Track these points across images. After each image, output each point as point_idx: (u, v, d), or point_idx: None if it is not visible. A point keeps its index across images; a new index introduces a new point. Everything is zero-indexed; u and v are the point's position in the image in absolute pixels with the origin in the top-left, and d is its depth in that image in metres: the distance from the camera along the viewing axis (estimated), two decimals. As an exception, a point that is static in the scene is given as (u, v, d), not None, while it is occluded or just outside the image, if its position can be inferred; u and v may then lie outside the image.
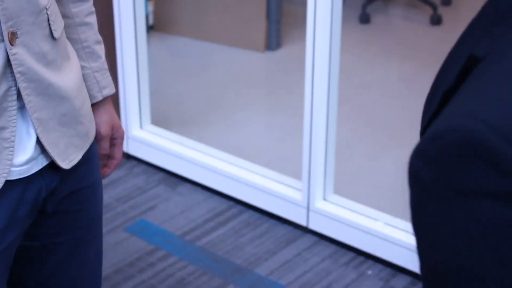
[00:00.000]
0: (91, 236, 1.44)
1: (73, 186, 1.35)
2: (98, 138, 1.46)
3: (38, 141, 1.25)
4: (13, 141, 1.19)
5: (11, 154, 1.19)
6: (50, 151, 1.26)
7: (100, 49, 1.45)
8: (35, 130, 1.23)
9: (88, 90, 1.42)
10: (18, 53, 1.18)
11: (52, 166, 1.29)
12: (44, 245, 1.37)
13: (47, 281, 1.41)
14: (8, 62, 1.17)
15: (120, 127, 1.50)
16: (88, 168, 1.38)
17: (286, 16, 4.31)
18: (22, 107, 1.22)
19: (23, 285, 1.41)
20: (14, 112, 1.19)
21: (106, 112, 1.46)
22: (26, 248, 1.34)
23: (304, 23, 2.47)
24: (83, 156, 1.35)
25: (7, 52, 1.17)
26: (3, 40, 1.16)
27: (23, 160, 1.23)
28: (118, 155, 1.50)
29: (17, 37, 1.17)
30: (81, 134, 1.33)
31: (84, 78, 1.41)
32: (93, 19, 1.43)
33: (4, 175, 1.20)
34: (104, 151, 1.48)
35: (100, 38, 1.45)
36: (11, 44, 1.16)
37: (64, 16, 1.36)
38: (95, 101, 1.43)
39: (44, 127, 1.24)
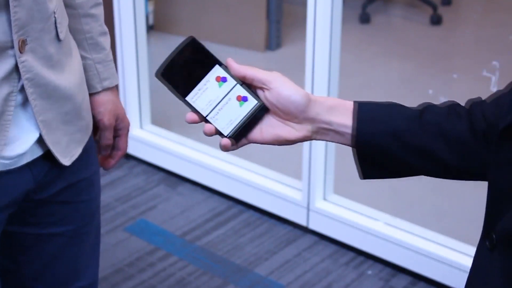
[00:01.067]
0: (88, 229, 1.43)
1: (70, 179, 1.35)
2: (101, 127, 1.44)
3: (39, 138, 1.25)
4: (3, 145, 1.19)
5: None
6: (53, 149, 1.26)
7: (105, 40, 1.43)
8: (40, 131, 1.23)
9: (88, 80, 1.41)
10: (27, 60, 1.18)
11: (46, 158, 1.29)
12: (40, 234, 1.37)
13: (43, 270, 1.41)
14: (15, 68, 1.17)
15: (125, 117, 1.48)
16: (86, 161, 1.38)
17: (286, 16, 4.31)
18: (26, 107, 1.21)
19: (19, 272, 1.41)
20: (10, 117, 1.18)
21: (110, 102, 1.44)
22: (22, 234, 1.35)
23: (304, 23, 2.47)
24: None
25: (15, 60, 1.17)
26: (13, 47, 1.16)
27: (16, 153, 1.23)
28: (123, 146, 1.48)
29: (26, 44, 1.17)
30: (82, 128, 1.33)
31: (85, 68, 1.40)
32: (98, 10, 1.41)
33: None
34: (108, 142, 1.46)
35: (105, 29, 1.43)
36: (20, 52, 1.16)
37: (68, 6, 1.36)
38: (94, 91, 1.42)
39: (48, 128, 1.24)
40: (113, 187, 2.96)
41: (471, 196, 2.68)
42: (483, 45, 4.24)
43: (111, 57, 1.45)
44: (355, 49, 4.13)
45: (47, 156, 1.28)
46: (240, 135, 1.06)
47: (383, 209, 2.62)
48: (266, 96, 1.05)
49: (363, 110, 1.06)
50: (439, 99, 3.02)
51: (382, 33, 4.52)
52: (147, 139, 3.06)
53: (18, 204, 1.31)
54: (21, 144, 1.23)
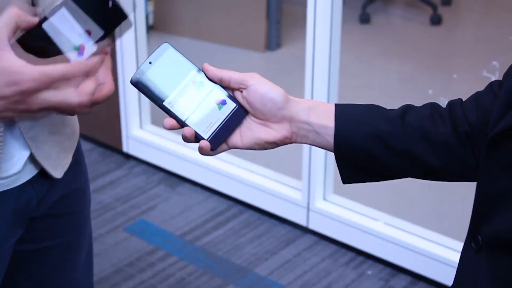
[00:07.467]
0: (82, 239, 1.42)
1: (63, 190, 1.33)
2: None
3: (30, 155, 1.23)
4: None
5: None
6: (43, 163, 1.23)
7: None
8: (30, 148, 1.21)
9: None
10: None
11: (41, 174, 1.27)
12: (37, 249, 1.36)
13: (41, 285, 1.40)
14: None
15: None
16: (77, 171, 1.36)
17: (286, 16, 4.31)
18: (12, 127, 1.18)
19: None
20: (1, 129, 1.16)
21: None
22: (19, 252, 1.33)
23: (304, 23, 2.47)
24: (72, 159, 1.33)
25: None
26: None
27: (11, 172, 1.21)
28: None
29: None
30: (70, 135, 1.31)
31: None
32: None
33: None
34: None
35: None
36: None
37: None
38: None
39: (37, 143, 1.21)
40: (113, 187, 2.96)
41: (471, 197, 2.68)
42: (483, 45, 4.25)
43: None
44: (355, 49, 4.13)
45: (42, 174, 1.27)
46: (221, 139, 1.06)
47: (383, 209, 2.63)
48: (244, 95, 1.05)
49: (343, 112, 1.05)
50: (439, 99, 3.02)
51: (382, 33, 4.52)
52: (147, 139, 3.06)
53: (26, 224, 1.29)
54: (15, 163, 1.21)
